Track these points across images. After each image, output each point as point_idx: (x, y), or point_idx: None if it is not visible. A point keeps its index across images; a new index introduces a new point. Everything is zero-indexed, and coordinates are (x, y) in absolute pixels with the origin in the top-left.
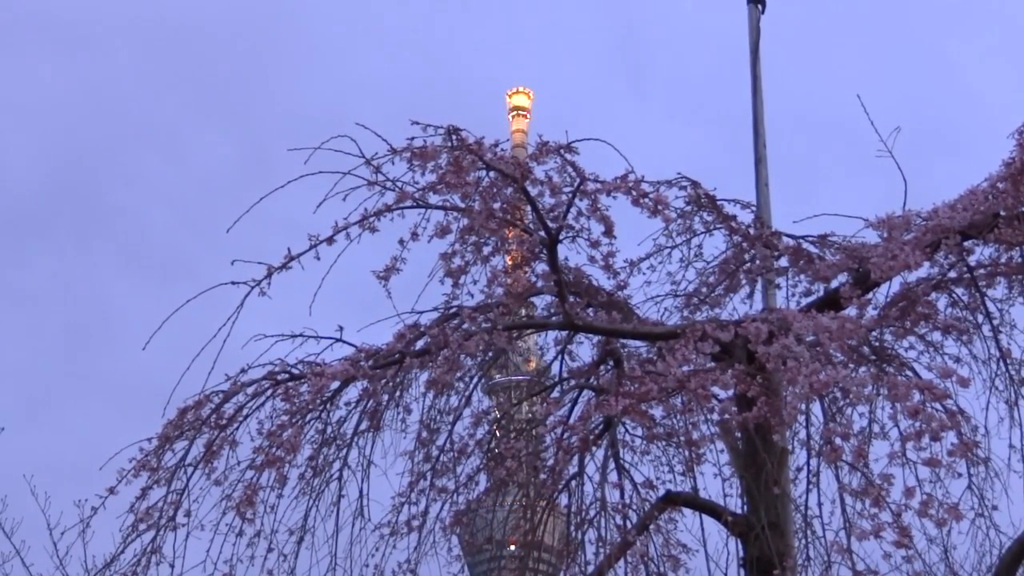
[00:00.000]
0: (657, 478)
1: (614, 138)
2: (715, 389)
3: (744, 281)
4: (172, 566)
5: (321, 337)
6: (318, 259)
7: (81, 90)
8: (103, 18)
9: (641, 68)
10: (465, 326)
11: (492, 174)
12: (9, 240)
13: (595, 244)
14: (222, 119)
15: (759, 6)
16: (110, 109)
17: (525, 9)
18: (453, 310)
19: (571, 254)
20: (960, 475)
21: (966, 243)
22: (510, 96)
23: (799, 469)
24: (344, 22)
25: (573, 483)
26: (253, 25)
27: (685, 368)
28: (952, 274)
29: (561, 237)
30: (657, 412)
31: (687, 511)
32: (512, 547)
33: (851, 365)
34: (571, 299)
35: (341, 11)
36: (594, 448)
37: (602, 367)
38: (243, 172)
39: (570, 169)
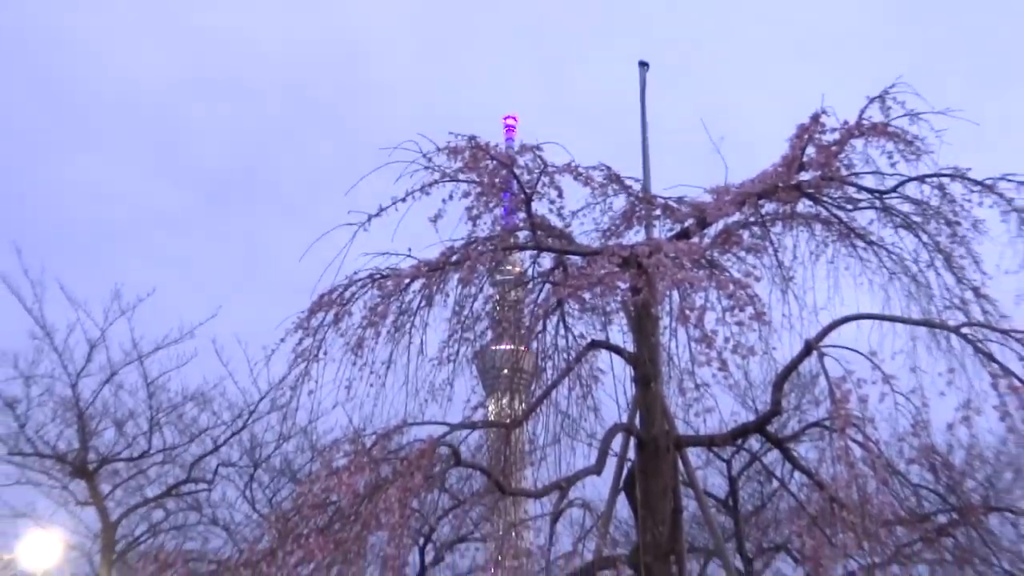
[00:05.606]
0: (587, 332)
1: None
2: (619, 283)
3: (635, 222)
4: (316, 382)
5: (399, 254)
6: (396, 210)
7: (254, 118)
8: (259, 77)
9: (570, 111)
10: (480, 248)
11: (495, 162)
12: (213, 207)
13: (553, 202)
14: (325, 132)
15: (645, 67)
16: (267, 131)
17: (499, 74)
18: (473, 239)
19: (539, 207)
20: (755, 330)
21: (760, 201)
22: (504, 119)
23: (666, 327)
24: (394, 78)
25: (540, 334)
26: (342, 75)
27: (602, 271)
28: (752, 219)
29: (533, 197)
30: (587, 295)
31: (603, 351)
32: (505, 371)
33: (696, 269)
34: (538, 232)
35: (391, 74)
36: (552, 315)
37: (556, 271)
38: (340, 162)
39: (539, 160)
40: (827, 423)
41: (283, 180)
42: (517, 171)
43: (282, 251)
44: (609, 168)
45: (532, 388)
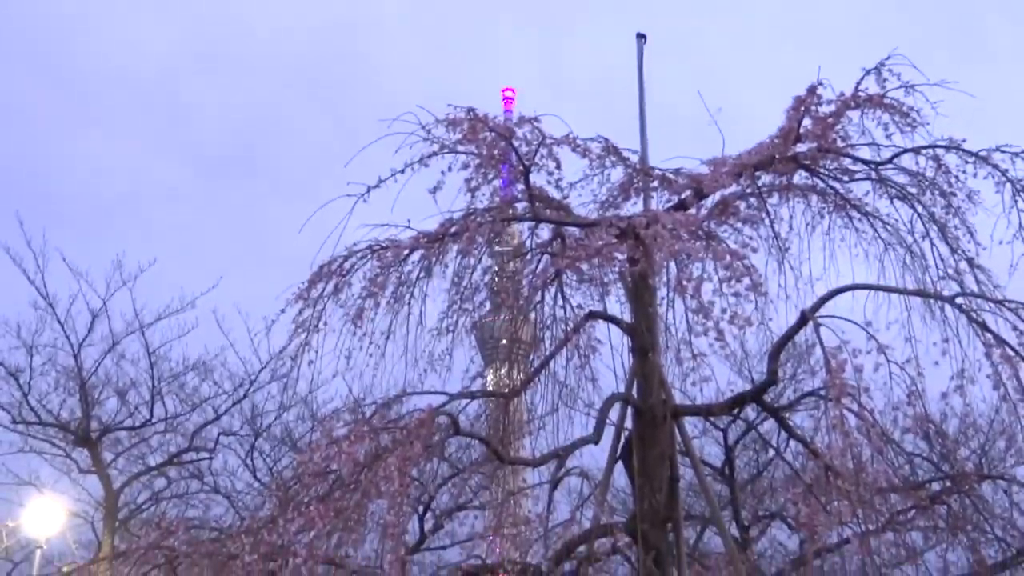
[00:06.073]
0: (585, 303)
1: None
2: (617, 254)
3: (633, 194)
4: (316, 352)
5: (398, 225)
6: (395, 182)
7: (253, 95)
8: (258, 54)
9: (567, 88)
10: (479, 219)
11: (493, 134)
12: (213, 182)
13: (551, 173)
14: (324, 109)
15: (643, 39)
16: (266, 108)
17: (501, 49)
18: (472, 210)
19: (538, 179)
20: (751, 301)
21: (757, 172)
22: (502, 91)
23: (663, 297)
24: (392, 55)
25: (538, 305)
26: (340, 54)
27: (600, 242)
28: (748, 190)
29: (532, 169)
30: (585, 266)
31: (601, 322)
32: (503, 341)
33: (693, 240)
34: (537, 204)
35: (388, 51)
36: (550, 286)
37: (554, 242)
38: (339, 140)
39: (537, 131)
40: (822, 392)
41: (282, 157)
42: (515, 143)
43: (281, 226)
44: (607, 140)
45: (530, 358)
